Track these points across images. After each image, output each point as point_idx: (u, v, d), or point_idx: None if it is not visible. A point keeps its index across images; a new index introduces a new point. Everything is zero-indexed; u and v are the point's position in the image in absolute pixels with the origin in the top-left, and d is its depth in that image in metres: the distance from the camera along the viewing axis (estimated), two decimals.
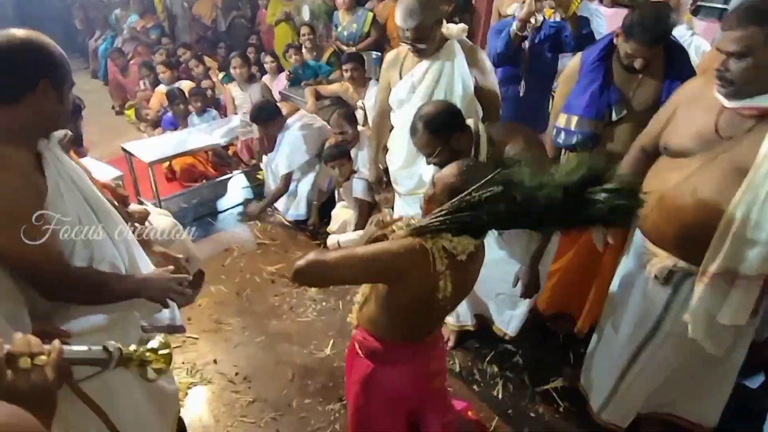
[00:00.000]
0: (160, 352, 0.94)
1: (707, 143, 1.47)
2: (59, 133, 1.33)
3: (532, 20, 2.62)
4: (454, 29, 2.21)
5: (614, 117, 1.98)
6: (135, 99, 5.63)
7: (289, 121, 3.61)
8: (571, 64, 2.20)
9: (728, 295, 1.51)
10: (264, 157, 3.85)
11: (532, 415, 2.22)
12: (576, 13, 2.53)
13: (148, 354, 0.93)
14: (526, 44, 2.77)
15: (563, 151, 2.23)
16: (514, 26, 2.65)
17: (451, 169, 1.36)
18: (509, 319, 2.31)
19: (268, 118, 3.52)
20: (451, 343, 2.54)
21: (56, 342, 0.75)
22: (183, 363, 2.48)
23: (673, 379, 1.88)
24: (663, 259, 1.64)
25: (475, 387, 2.37)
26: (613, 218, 1.33)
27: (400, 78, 2.31)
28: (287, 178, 3.59)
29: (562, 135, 2.10)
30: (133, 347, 0.93)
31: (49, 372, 0.71)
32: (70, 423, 1.47)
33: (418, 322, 1.47)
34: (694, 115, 1.51)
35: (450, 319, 2.49)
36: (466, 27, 2.28)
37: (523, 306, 2.23)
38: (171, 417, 1.98)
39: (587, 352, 2.15)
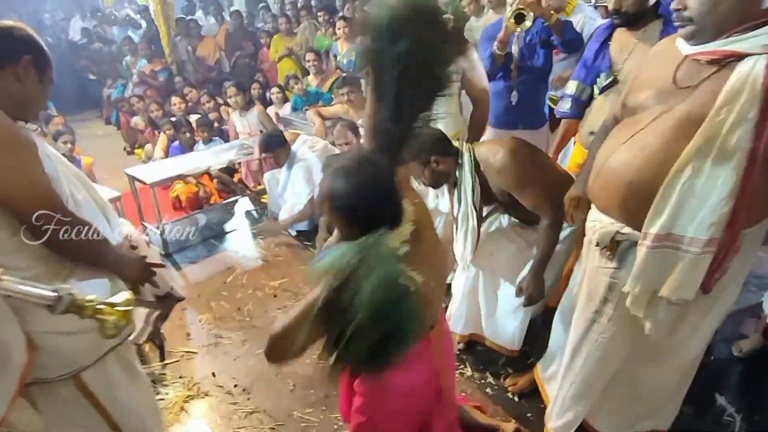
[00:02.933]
0: (118, 308, 0.90)
1: (663, 95, 1.34)
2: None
3: (518, 29, 2.60)
4: None
5: (602, 82, 1.94)
6: (145, 140, 5.74)
7: (294, 147, 3.64)
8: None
9: (674, 265, 1.32)
10: (266, 175, 3.85)
11: None
12: (559, 19, 2.55)
13: (102, 306, 0.89)
14: (516, 49, 2.76)
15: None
16: (495, 47, 2.66)
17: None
18: (512, 331, 2.18)
19: (278, 145, 3.58)
20: (459, 346, 2.40)
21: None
22: (180, 377, 2.37)
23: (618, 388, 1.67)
24: (606, 225, 1.47)
25: (488, 390, 2.20)
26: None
27: None
28: (313, 202, 3.54)
29: (561, 102, 2.13)
30: (90, 296, 0.88)
31: None
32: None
33: None
34: (656, 69, 1.40)
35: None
36: None
37: (524, 314, 2.12)
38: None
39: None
